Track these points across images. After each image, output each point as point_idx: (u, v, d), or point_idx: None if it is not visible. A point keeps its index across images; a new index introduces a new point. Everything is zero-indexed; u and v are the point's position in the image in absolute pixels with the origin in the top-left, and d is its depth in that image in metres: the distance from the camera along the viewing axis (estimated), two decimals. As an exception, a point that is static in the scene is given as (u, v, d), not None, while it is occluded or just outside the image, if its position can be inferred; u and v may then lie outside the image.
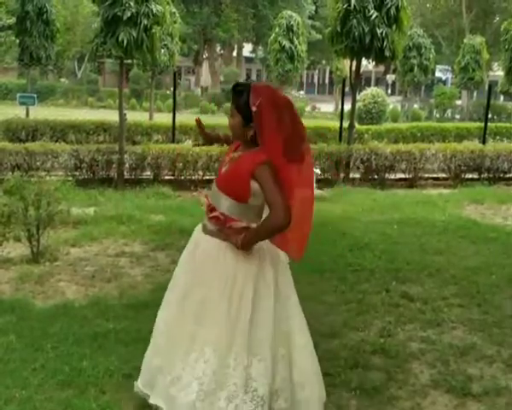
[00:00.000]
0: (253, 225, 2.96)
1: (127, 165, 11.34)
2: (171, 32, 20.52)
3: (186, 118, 20.33)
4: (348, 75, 13.08)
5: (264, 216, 2.96)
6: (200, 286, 2.96)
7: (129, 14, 10.19)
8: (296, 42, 24.29)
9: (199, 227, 3.16)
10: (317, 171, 11.43)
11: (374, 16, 11.16)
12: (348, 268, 6.11)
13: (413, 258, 6.68)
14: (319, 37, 43.18)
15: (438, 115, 35.81)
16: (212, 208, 3.01)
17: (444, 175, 13.01)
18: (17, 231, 6.26)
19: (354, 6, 11.18)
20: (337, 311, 5.05)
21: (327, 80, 65.42)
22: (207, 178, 11.63)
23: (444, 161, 12.90)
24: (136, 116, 19.46)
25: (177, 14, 22.30)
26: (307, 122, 24.11)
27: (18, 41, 18.37)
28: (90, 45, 11.30)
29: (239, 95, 2.94)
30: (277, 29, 24.36)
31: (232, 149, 3.13)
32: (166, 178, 11.51)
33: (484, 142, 14.63)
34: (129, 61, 12.21)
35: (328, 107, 41.21)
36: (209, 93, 45.84)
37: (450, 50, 44.28)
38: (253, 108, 2.84)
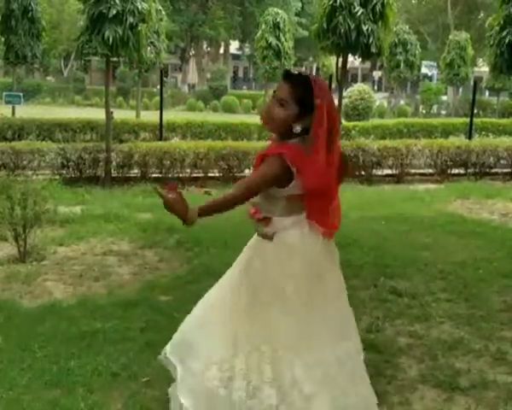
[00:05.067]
0: (282, 219, 2.86)
1: (114, 163, 11.30)
2: (158, 29, 20.50)
3: (173, 115, 20.31)
4: (335, 72, 13.09)
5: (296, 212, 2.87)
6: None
7: (114, 11, 10.15)
8: (283, 39, 24.36)
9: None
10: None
11: (359, 13, 11.16)
12: (336, 264, 6.11)
13: (401, 253, 6.70)
14: (306, 34, 43.29)
15: (424, 111, 36.02)
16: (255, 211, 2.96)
17: (430, 171, 13.07)
18: (3, 230, 6.22)
19: (340, 3, 11.18)
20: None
21: (314, 77, 65.42)
22: (195, 175, 11.64)
23: (430, 156, 12.96)
24: (123, 114, 19.38)
25: (163, 12, 22.28)
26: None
27: (3, 39, 18.23)
28: (76, 43, 11.22)
29: (300, 86, 2.77)
30: (264, 26, 24.41)
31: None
32: (154, 175, 11.48)
33: (470, 137, 14.71)
34: (115, 58, 12.16)
35: (315, 103, 41.20)
36: (196, 90, 45.83)
37: (435, 47, 44.60)
38: (317, 101, 2.75)
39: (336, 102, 13.45)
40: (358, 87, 26.98)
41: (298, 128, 2.77)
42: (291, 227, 2.85)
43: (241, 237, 6.79)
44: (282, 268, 2.83)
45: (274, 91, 2.84)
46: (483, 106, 33.69)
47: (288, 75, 2.83)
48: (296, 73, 2.87)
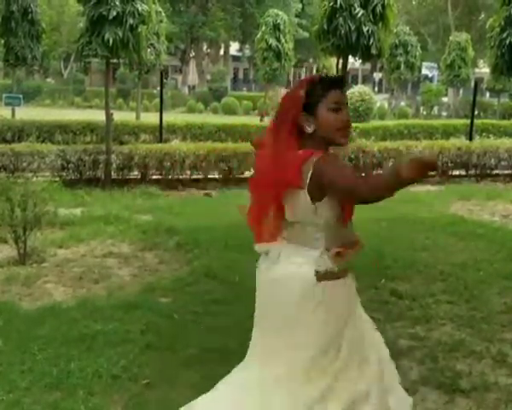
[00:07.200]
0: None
1: (114, 165, 11.29)
2: (158, 31, 20.50)
3: (173, 117, 20.31)
4: (335, 73, 13.09)
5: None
6: None
7: (114, 13, 10.17)
8: (283, 40, 24.37)
9: None
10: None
11: (360, 14, 11.17)
12: (336, 266, 6.09)
13: (401, 255, 6.69)
14: (306, 35, 43.32)
15: (424, 112, 36.00)
16: None
17: (431, 172, 13.04)
18: (3, 232, 6.21)
19: (340, 4, 11.19)
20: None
21: (314, 78, 65.40)
22: (195, 177, 11.64)
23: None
24: (123, 116, 19.38)
25: (163, 13, 22.28)
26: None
27: (3, 41, 18.23)
28: (76, 45, 11.23)
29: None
30: (264, 27, 24.43)
31: None
32: (154, 177, 11.49)
33: (470, 138, 14.69)
34: (115, 60, 12.16)
35: (315, 105, 41.18)
36: (196, 92, 45.83)
37: (436, 48, 44.61)
38: None
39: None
40: (359, 88, 26.95)
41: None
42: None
43: (240, 239, 6.75)
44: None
45: (337, 102, 2.45)
46: (484, 107, 33.66)
47: (338, 81, 2.51)
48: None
